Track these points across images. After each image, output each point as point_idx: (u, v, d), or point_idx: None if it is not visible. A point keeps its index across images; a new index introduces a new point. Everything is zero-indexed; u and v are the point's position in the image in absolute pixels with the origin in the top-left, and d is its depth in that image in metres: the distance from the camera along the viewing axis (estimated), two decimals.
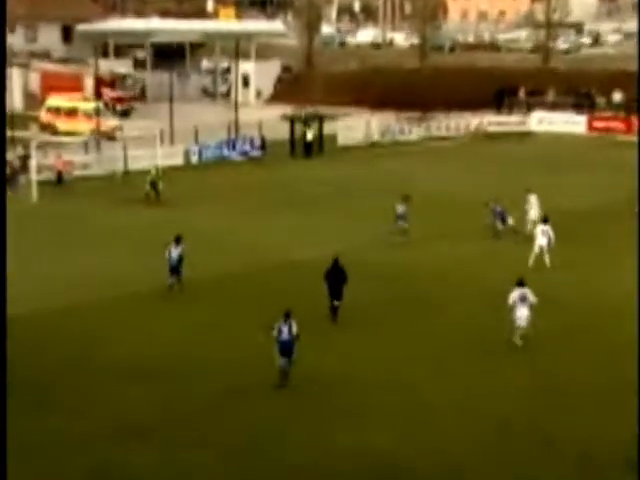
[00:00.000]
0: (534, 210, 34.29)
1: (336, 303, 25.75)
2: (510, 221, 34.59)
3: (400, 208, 33.87)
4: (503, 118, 65.44)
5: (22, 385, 21.13)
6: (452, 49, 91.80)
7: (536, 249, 30.80)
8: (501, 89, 68.24)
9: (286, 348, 21.42)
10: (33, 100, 67.04)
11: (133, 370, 22.68)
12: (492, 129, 63.44)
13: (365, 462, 18.58)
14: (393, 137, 61.02)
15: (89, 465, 18.38)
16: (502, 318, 24.36)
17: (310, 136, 55.00)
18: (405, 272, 30.63)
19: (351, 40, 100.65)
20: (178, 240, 28.20)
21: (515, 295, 23.85)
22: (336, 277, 25.68)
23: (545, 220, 31.32)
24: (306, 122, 55.76)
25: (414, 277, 30.13)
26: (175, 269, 27.99)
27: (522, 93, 68.25)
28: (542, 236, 30.70)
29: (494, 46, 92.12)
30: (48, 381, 22.09)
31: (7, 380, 19.35)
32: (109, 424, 19.97)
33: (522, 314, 23.77)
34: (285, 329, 21.48)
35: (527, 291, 23.81)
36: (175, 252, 27.93)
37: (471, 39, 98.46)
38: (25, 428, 19.58)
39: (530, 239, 31.77)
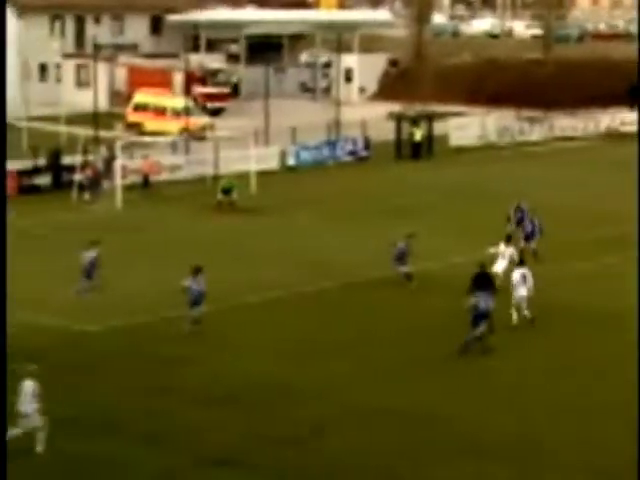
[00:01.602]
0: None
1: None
2: (533, 243, 33.00)
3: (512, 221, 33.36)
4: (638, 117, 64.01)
5: (91, 408, 21.32)
6: (580, 39, 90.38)
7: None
8: (636, 84, 66.76)
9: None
10: (119, 97, 68.42)
11: (213, 394, 22.76)
12: (625, 129, 62.08)
13: None
14: (512, 138, 60.26)
15: None
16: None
17: (418, 136, 54.72)
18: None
19: (465, 30, 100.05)
20: (197, 271, 26.59)
21: (517, 275, 26.79)
22: (484, 287, 26.13)
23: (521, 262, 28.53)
24: (414, 121, 55.50)
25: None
26: (195, 302, 26.43)
27: None
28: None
29: (629, 36, 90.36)
30: (122, 405, 22.29)
31: (75, 404, 19.62)
32: (190, 452, 20.08)
33: (521, 294, 26.65)
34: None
35: (527, 271, 26.66)
36: (195, 284, 26.34)
37: (602, 28, 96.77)
38: (98, 457, 19.78)
39: None
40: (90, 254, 29.47)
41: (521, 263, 27.97)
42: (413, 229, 36.91)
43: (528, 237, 33.24)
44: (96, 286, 29.40)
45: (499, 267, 29.67)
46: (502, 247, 30.07)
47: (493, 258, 29.84)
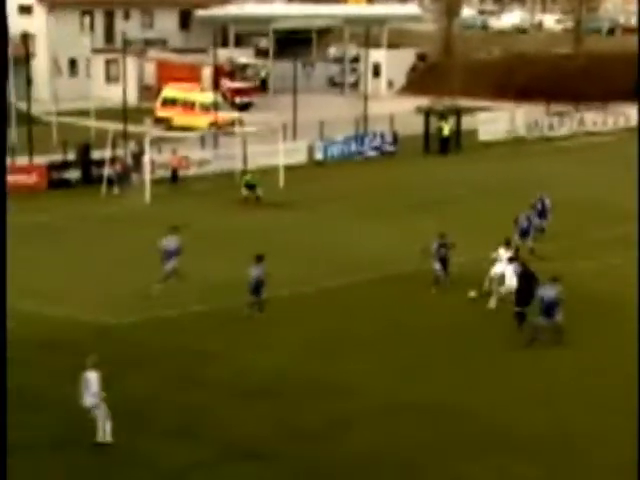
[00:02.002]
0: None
1: (525, 309, 26.19)
2: (529, 241, 32.75)
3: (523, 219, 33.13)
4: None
5: (124, 402, 21.51)
6: (610, 32, 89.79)
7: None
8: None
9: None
10: (148, 92, 68.72)
11: (238, 389, 22.88)
12: None
13: None
14: (541, 132, 60.06)
15: None
16: None
17: (447, 131, 54.66)
18: None
19: (495, 23, 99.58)
20: (260, 259, 27.42)
21: (510, 269, 27.61)
22: (526, 282, 26.20)
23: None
24: (442, 115, 55.43)
25: None
26: (255, 290, 27.23)
27: None
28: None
29: None
30: (152, 398, 22.47)
31: (106, 397, 19.88)
32: (220, 446, 20.22)
33: (512, 285, 27.13)
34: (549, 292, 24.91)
35: (514, 266, 27.40)
36: (255, 272, 27.20)
37: (634, 21, 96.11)
38: (128, 449, 19.97)
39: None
40: (170, 241, 29.68)
41: (512, 260, 28.01)
42: (440, 224, 36.96)
43: (523, 234, 32.81)
44: (177, 271, 29.65)
45: (497, 270, 29.02)
46: (501, 251, 29.33)
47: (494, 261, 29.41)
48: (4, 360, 17.80)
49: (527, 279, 26.58)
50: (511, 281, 27.61)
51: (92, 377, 19.94)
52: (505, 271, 28.08)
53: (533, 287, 26.16)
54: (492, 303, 28.09)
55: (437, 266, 29.52)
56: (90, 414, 20.02)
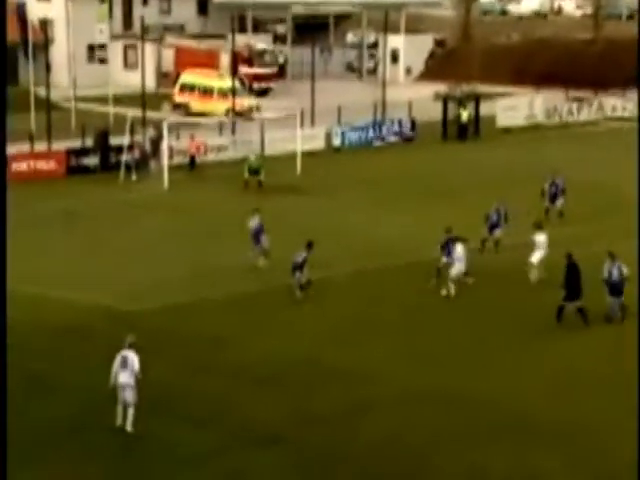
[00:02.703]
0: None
1: (578, 304, 26.02)
2: (497, 233, 32.12)
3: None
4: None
5: (141, 388, 21.55)
6: (630, 17, 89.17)
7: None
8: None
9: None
10: (166, 78, 68.76)
11: (255, 375, 22.95)
12: None
13: None
14: (560, 118, 59.78)
15: (218, 477, 18.65)
16: None
17: (465, 117, 54.49)
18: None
19: (514, 9, 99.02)
20: (310, 245, 28.21)
21: (459, 249, 28.14)
22: (573, 274, 26.04)
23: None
24: (461, 101, 55.24)
25: None
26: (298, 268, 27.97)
27: None
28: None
29: None
30: (170, 385, 22.54)
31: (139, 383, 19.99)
32: (237, 432, 20.27)
33: (460, 269, 27.97)
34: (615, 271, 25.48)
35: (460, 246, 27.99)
36: (300, 256, 28.01)
37: None
38: (146, 436, 20.05)
39: None
40: (254, 222, 30.89)
41: (457, 240, 28.43)
42: (459, 210, 36.90)
43: (492, 227, 32.31)
44: (266, 250, 30.61)
45: (535, 258, 29.18)
46: (537, 236, 29.41)
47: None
48: (4, 360, 17.85)
49: (574, 272, 26.05)
50: (460, 263, 28.08)
51: (132, 356, 20.03)
52: (458, 251, 28.31)
53: (579, 280, 25.94)
54: (450, 290, 28.26)
55: (444, 259, 29.34)
56: (121, 393, 19.91)
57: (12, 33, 61.33)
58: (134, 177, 43.89)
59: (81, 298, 27.79)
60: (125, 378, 19.92)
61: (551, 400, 21.90)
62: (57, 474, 18.63)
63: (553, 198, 36.18)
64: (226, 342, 25.02)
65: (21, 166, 43.82)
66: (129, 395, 19.96)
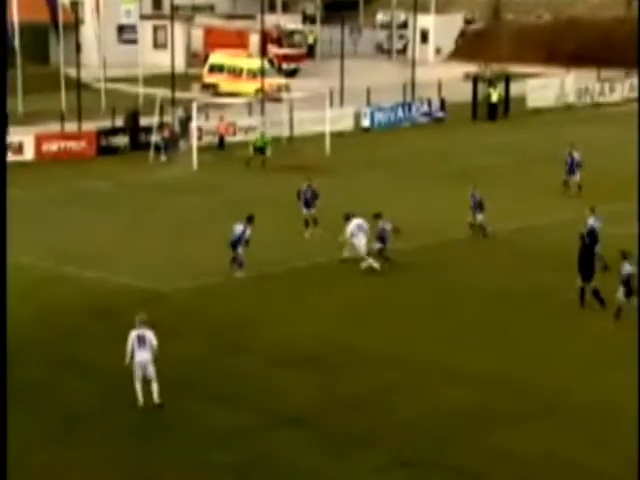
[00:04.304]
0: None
1: (592, 284, 25.67)
2: (480, 216, 31.54)
3: None
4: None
5: (172, 367, 21.70)
6: None
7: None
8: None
9: None
10: (195, 58, 68.81)
11: (284, 356, 23.00)
12: None
13: None
14: (592, 99, 59.35)
15: (239, 459, 18.67)
16: None
17: (495, 97, 54.21)
18: None
19: None
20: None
21: (353, 226, 28.05)
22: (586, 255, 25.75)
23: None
24: (491, 82, 54.96)
25: None
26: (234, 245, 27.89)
27: None
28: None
29: None
30: (197, 365, 22.61)
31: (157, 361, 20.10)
32: (262, 412, 20.35)
33: (360, 242, 27.97)
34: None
35: (362, 221, 28.11)
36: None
37: None
38: (172, 414, 20.14)
39: None
40: (307, 192, 32.04)
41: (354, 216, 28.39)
42: (488, 190, 36.77)
43: (476, 209, 31.80)
44: (316, 217, 31.78)
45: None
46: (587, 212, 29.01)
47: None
48: (4, 360, 17.98)
49: (587, 251, 25.82)
50: (358, 239, 28.11)
51: (148, 333, 20.16)
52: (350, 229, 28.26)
53: (593, 260, 25.72)
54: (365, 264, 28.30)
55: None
56: (141, 370, 20.09)
57: (42, 14, 61.57)
58: (163, 157, 44.02)
59: (111, 279, 27.93)
60: (145, 355, 20.03)
61: (580, 383, 21.80)
62: (87, 454, 18.77)
63: (571, 170, 36.86)
64: (256, 323, 25.09)
65: (52, 146, 44.06)
66: (151, 371, 20.10)
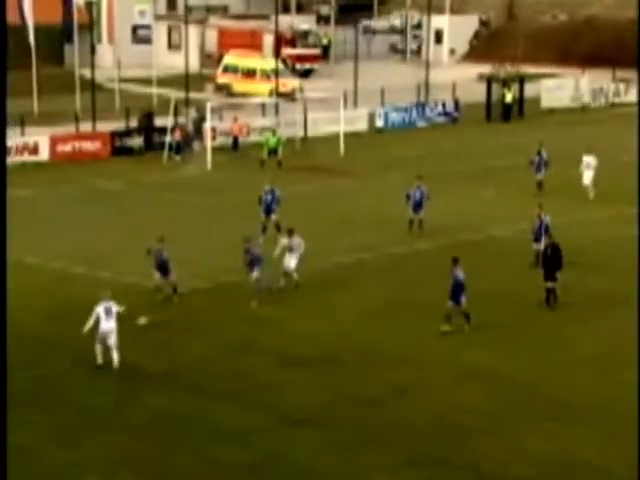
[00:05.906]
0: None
1: (550, 285, 25.82)
2: (421, 213, 31.78)
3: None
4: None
5: (182, 366, 21.72)
6: None
7: None
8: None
9: None
10: (209, 59, 68.95)
11: (300, 355, 23.02)
12: None
13: None
14: (607, 99, 59.21)
15: (252, 458, 18.68)
16: None
17: (509, 98, 54.15)
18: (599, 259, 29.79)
19: None
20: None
21: (285, 242, 27.02)
22: (552, 257, 25.87)
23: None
24: (505, 82, 54.91)
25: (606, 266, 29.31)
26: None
27: None
28: None
29: None
30: (208, 363, 22.62)
31: (161, 361, 20.07)
32: (273, 411, 20.37)
33: (289, 262, 26.89)
34: None
35: (299, 241, 26.99)
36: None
37: None
38: (181, 413, 20.16)
39: None
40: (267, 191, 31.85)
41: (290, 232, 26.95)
42: (502, 191, 36.74)
43: (416, 207, 31.94)
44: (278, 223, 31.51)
45: (587, 179, 32.15)
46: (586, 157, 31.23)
47: None
48: (4, 360, 18.05)
49: (555, 252, 25.74)
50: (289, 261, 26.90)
51: (113, 305, 21.90)
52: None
53: (561, 260, 25.64)
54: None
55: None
56: (105, 339, 21.69)
57: (57, 15, 61.80)
58: (177, 158, 44.12)
59: (124, 278, 27.97)
60: (111, 324, 21.80)
61: (592, 383, 21.77)
62: (101, 452, 18.82)
63: (538, 168, 37.23)
64: (269, 322, 25.11)
65: (66, 147, 44.21)
66: (113, 339, 21.79)
